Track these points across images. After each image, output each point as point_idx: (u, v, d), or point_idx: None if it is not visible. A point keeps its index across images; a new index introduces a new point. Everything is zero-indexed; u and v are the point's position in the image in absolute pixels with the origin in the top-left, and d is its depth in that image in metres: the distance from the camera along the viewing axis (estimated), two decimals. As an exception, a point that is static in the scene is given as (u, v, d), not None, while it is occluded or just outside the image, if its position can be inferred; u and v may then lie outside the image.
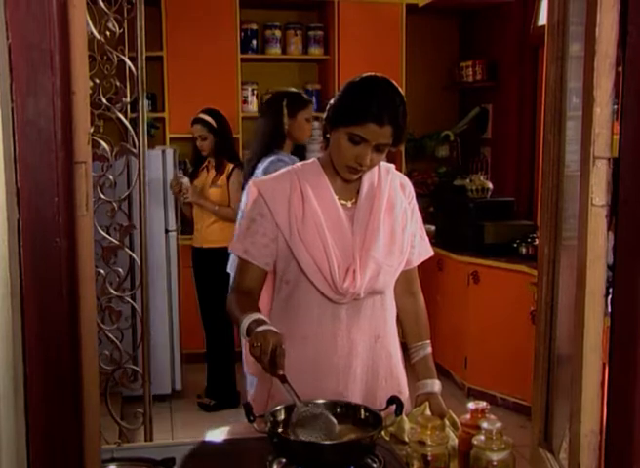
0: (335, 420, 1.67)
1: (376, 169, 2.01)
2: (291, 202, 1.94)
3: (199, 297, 4.57)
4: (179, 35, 5.23)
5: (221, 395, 4.55)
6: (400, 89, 1.91)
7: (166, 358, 4.62)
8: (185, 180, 4.37)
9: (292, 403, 1.69)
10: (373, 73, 1.92)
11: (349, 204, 2.00)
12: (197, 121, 4.47)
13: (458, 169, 5.76)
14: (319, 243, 1.91)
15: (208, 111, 4.51)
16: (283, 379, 1.68)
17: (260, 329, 1.71)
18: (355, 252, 1.93)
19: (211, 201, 4.40)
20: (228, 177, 4.40)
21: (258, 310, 1.86)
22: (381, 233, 1.96)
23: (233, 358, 4.47)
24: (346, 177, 1.95)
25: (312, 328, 1.96)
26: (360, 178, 2.00)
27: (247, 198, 2.03)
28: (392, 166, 2.09)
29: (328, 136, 1.94)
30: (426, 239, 2.14)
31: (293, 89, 3.93)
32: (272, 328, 1.73)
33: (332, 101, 1.95)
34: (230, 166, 4.44)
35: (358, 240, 1.95)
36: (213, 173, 4.46)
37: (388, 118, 1.82)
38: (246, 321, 1.77)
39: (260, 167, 3.55)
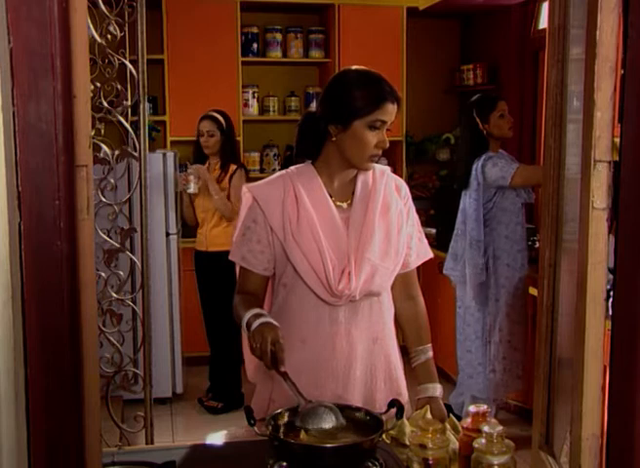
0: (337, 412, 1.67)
1: (370, 171, 2.02)
2: (285, 205, 1.94)
3: (202, 301, 4.56)
4: (179, 38, 5.23)
5: (226, 397, 4.54)
6: None
7: (167, 361, 4.62)
8: (193, 168, 4.35)
9: (293, 406, 1.69)
10: (347, 67, 2.00)
11: (345, 205, 2.00)
12: (207, 117, 4.46)
13: (458, 171, 5.75)
14: (314, 245, 1.92)
15: (216, 111, 4.51)
16: (285, 376, 1.71)
17: (257, 323, 1.76)
18: (350, 253, 1.94)
19: (216, 192, 4.36)
20: (230, 179, 4.41)
21: (259, 307, 1.89)
22: (376, 235, 1.96)
23: (238, 360, 4.45)
24: (368, 168, 1.99)
25: (310, 330, 1.97)
26: (355, 180, 2.01)
27: (243, 204, 2.04)
28: (388, 168, 2.10)
29: (334, 139, 1.93)
30: (425, 241, 2.14)
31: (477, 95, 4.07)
32: (269, 320, 1.78)
33: (329, 104, 1.96)
34: (234, 167, 4.45)
35: (353, 242, 1.95)
36: (216, 173, 4.45)
37: (393, 94, 1.91)
38: (246, 316, 1.82)
39: (478, 163, 3.84)
